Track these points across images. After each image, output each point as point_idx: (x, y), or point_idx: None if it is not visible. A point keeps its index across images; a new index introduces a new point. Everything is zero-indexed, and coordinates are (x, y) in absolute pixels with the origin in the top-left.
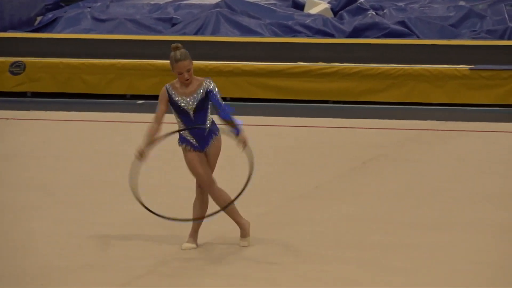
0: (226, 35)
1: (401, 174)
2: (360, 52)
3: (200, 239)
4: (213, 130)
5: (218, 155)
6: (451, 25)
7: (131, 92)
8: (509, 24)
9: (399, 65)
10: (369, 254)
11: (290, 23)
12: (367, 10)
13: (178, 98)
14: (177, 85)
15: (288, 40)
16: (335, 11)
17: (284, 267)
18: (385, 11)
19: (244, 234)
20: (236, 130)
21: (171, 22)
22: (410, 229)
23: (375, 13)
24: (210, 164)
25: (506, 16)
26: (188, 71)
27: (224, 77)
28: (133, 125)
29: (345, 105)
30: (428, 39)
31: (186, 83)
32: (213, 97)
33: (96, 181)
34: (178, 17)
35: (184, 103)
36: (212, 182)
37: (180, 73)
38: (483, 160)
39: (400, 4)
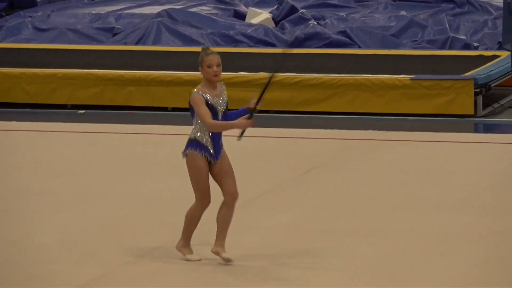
0: (167, 44)
1: (341, 183)
2: (301, 61)
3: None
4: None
5: None
6: (392, 35)
7: (72, 102)
8: (450, 34)
9: (341, 75)
10: (308, 260)
11: (231, 32)
12: (309, 20)
13: (212, 100)
14: (205, 89)
15: (230, 50)
16: (276, 21)
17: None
18: (326, 21)
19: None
20: (246, 112)
21: (113, 32)
22: (348, 237)
23: (317, 23)
24: (230, 175)
25: (447, 26)
26: (218, 65)
27: (165, 86)
28: (74, 135)
29: (286, 115)
30: (370, 49)
31: (214, 79)
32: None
33: (35, 191)
34: (119, 26)
35: (217, 105)
36: (237, 197)
37: (210, 66)
38: (422, 169)
39: (341, 14)
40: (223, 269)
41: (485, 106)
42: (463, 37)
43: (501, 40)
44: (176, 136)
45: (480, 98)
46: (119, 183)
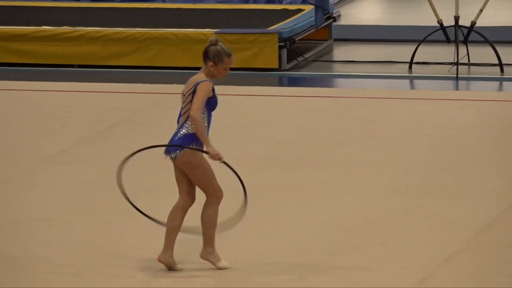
0: None
1: (146, 138)
2: (105, 16)
3: None
4: None
5: None
6: None
7: None
8: None
9: (145, 29)
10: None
11: None
12: None
13: (215, 93)
14: (211, 81)
15: (54, 5)
16: None
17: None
18: None
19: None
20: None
21: None
22: (152, 193)
23: None
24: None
25: None
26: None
27: None
28: None
29: (90, 69)
30: (174, 3)
31: (222, 78)
32: None
33: None
34: None
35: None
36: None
37: (226, 68)
38: (228, 123)
39: None
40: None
41: (289, 59)
42: None
43: None
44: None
45: (284, 52)
46: None
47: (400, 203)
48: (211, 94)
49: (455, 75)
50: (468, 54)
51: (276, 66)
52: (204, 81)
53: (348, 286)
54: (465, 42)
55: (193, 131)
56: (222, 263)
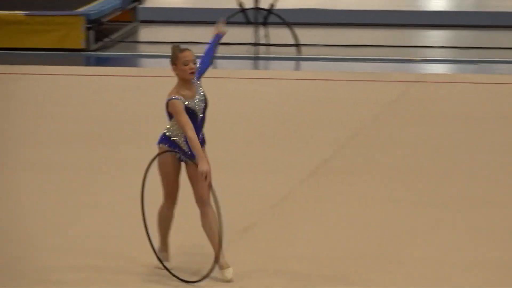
0: None
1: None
2: None
3: None
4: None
5: None
6: None
7: None
8: None
9: None
10: None
11: None
12: None
13: (189, 103)
14: (182, 91)
15: None
16: None
17: None
18: None
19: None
20: (217, 40)
21: None
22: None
23: None
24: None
25: None
26: (194, 63)
27: None
28: None
29: None
30: None
31: (191, 77)
32: (201, 66)
33: None
34: None
35: (195, 105)
36: (175, 200)
37: (186, 64)
38: (42, 102)
39: None
40: None
41: (97, 40)
42: None
43: None
44: None
45: (92, 33)
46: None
47: None
48: (184, 106)
49: (255, 55)
50: (267, 35)
51: (84, 46)
52: (170, 100)
53: None
54: (264, 23)
55: (170, 135)
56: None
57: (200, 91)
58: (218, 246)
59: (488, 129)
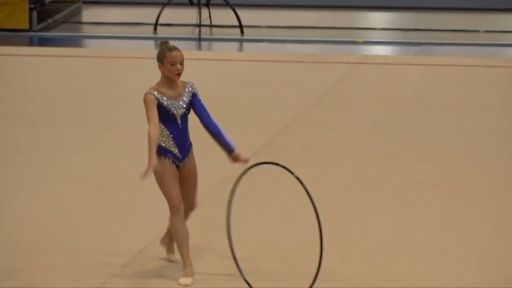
0: None
1: None
2: None
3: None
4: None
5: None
6: None
7: None
8: None
9: None
10: None
11: None
12: None
13: (167, 102)
14: (162, 89)
15: None
16: None
17: None
18: None
19: (189, 273)
20: (229, 148)
21: None
22: None
23: None
24: (191, 183)
25: None
26: (181, 63)
27: None
28: None
29: None
30: None
31: (177, 78)
32: (198, 102)
33: None
34: None
35: (174, 107)
36: (182, 208)
37: (173, 64)
38: None
39: None
40: None
41: (40, 21)
42: None
43: None
44: None
45: (35, 14)
46: None
47: (127, 163)
48: (156, 102)
49: (198, 36)
50: (210, 16)
51: (27, 27)
52: (145, 95)
53: None
54: (207, 5)
55: (160, 143)
56: (183, 280)
57: (186, 95)
58: (187, 254)
59: (430, 110)
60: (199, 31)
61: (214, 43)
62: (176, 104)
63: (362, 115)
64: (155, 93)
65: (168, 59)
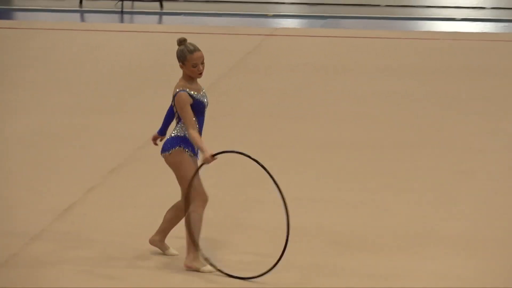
0: None
1: None
2: None
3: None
4: None
5: None
6: None
7: None
8: None
9: None
10: None
11: None
12: None
13: (197, 95)
14: (189, 85)
15: None
16: None
17: None
18: None
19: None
20: (161, 132)
21: None
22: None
23: None
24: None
25: None
26: (202, 63)
27: None
28: None
29: None
30: None
31: (199, 76)
32: None
33: None
34: None
35: (203, 98)
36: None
37: (195, 65)
38: None
39: None
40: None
41: None
42: None
43: None
44: None
45: None
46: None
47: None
48: (191, 101)
49: (121, 10)
50: None
51: None
52: (178, 92)
53: None
54: None
55: (182, 134)
56: (207, 267)
57: (204, 90)
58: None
59: (336, 77)
60: (122, 5)
61: (135, 16)
62: (202, 95)
63: (274, 82)
64: (187, 90)
65: (190, 62)
